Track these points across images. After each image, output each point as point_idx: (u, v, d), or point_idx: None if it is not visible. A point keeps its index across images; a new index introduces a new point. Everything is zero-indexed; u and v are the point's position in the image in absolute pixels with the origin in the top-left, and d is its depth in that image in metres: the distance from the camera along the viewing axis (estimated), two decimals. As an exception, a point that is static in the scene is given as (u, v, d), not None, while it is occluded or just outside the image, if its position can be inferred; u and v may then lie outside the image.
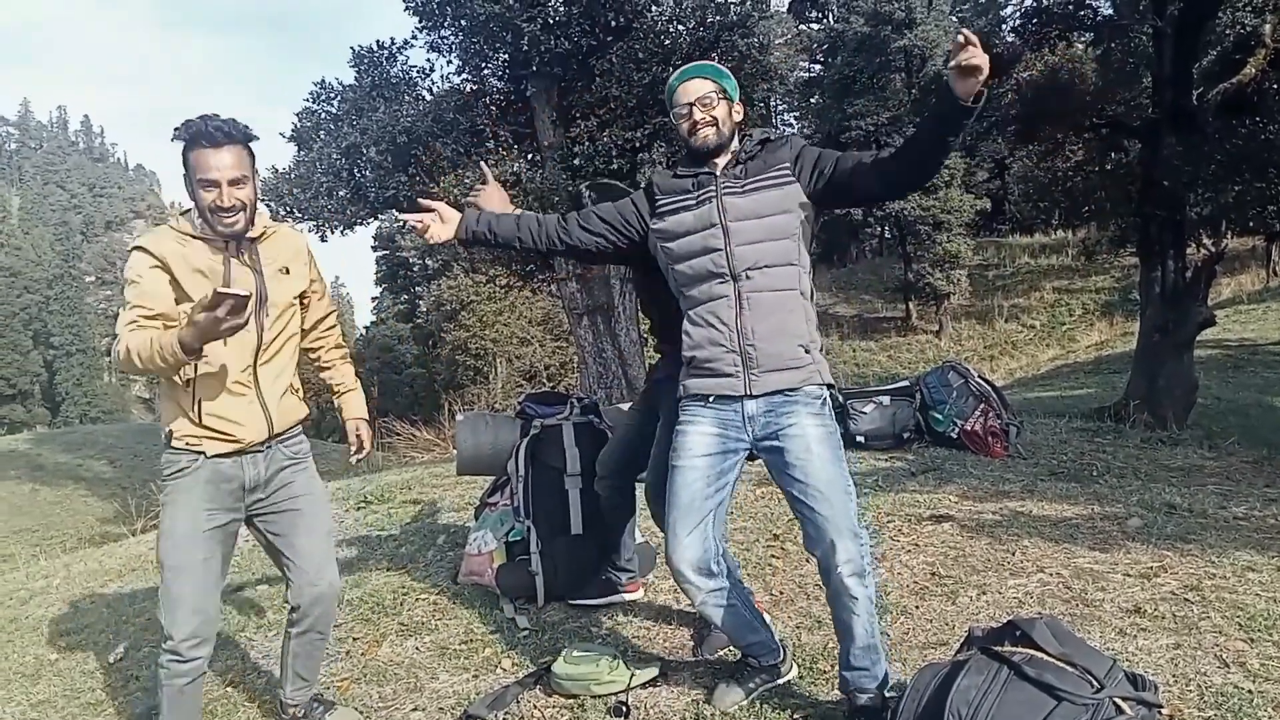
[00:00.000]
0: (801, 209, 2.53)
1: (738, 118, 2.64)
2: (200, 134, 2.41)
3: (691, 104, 2.57)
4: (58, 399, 62.04)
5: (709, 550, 2.57)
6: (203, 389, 2.50)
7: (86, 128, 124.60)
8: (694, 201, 2.58)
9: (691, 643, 3.27)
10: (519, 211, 2.89)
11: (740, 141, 2.63)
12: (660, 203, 2.66)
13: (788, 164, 2.54)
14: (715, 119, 2.57)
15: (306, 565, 2.71)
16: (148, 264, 2.43)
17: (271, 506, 2.68)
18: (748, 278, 2.49)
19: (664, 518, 2.76)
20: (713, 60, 10.73)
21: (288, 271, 2.65)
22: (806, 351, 2.50)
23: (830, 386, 2.55)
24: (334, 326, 3.01)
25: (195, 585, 2.53)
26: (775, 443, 2.49)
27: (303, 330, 2.81)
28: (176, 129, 2.45)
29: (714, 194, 2.55)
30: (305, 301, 2.78)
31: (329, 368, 3.04)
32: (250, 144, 2.50)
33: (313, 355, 2.99)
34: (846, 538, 2.40)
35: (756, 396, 2.50)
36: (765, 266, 2.49)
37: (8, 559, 9.72)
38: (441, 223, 2.71)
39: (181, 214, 2.57)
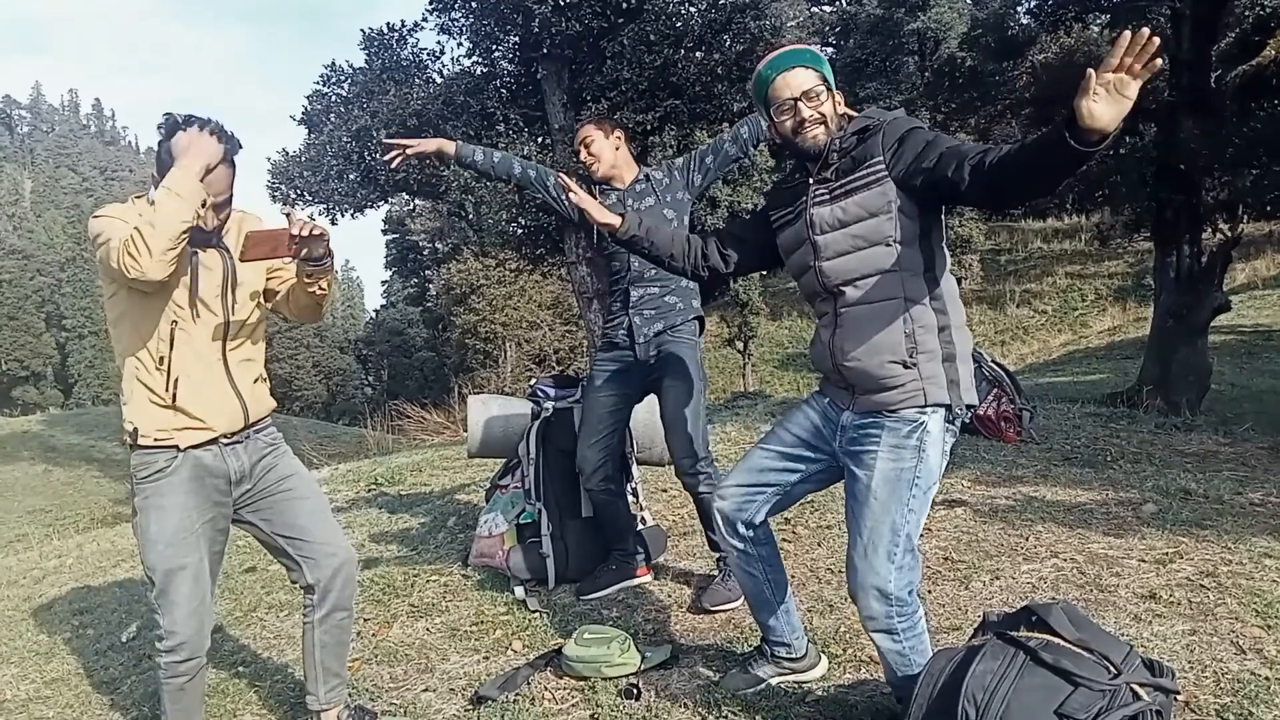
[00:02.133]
0: (898, 206, 2.19)
1: (841, 110, 2.34)
2: (238, 147, 2.35)
3: (796, 99, 2.26)
4: (70, 381, 62.35)
5: (745, 513, 2.53)
6: (179, 367, 2.37)
7: (98, 111, 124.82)
8: (792, 215, 2.38)
9: (703, 625, 3.27)
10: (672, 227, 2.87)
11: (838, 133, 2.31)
12: (772, 217, 2.48)
13: (880, 157, 2.21)
14: (824, 116, 2.27)
15: (317, 539, 2.58)
16: (118, 211, 2.32)
17: (261, 494, 2.56)
18: (842, 293, 2.28)
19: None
20: (725, 42, 10.69)
21: None
22: (905, 367, 2.20)
23: (944, 407, 2.23)
24: None
25: (191, 588, 2.40)
26: (849, 464, 2.33)
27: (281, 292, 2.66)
28: (174, 122, 2.32)
29: (805, 206, 2.33)
30: (273, 280, 2.63)
31: None
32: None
33: (290, 293, 2.68)
34: (870, 596, 2.23)
35: (857, 413, 2.34)
36: (859, 279, 2.25)
37: (22, 539, 9.81)
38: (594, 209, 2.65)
39: (138, 197, 2.45)
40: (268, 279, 2.60)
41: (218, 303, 2.43)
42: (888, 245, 2.21)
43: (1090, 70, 1.71)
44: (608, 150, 3.47)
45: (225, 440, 2.47)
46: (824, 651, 2.91)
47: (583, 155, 3.49)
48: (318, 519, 2.62)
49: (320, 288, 2.56)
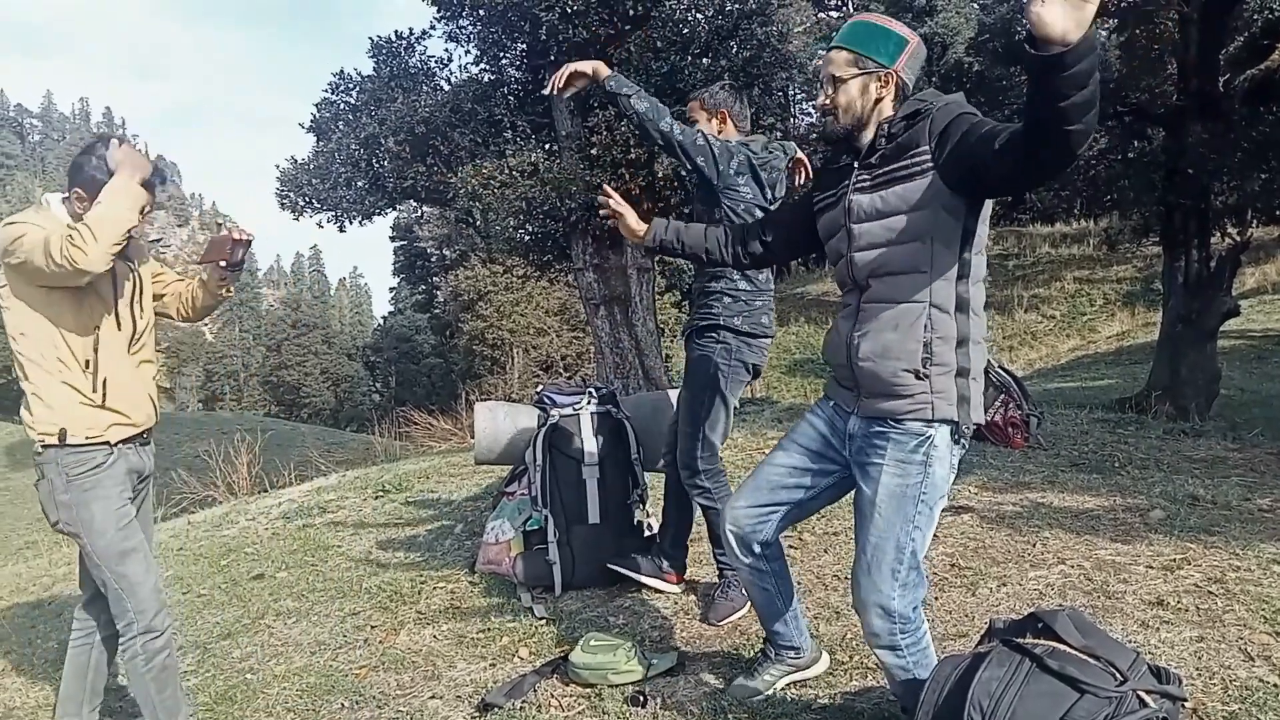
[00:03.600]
0: (940, 202, 2.06)
1: (881, 95, 2.19)
2: (164, 178, 2.61)
3: (822, 83, 2.25)
4: (80, 388, 62.65)
5: (757, 531, 2.50)
6: (105, 369, 2.58)
7: (108, 120, 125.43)
8: (833, 199, 2.29)
9: (709, 632, 3.27)
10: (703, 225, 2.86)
11: (888, 117, 2.19)
12: (815, 200, 2.40)
13: (925, 146, 2.07)
14: (836, 107, 2.22)
15: None
16: (32, 218, 2.46)
17: (136, 505, 2.76)
18: (869, 286, 2.19)
19: None
20: (731, 48, 10.68)
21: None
22: (918, 377, 2.11)
23: (949, 423, 2.14)
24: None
25: (146, 566, 2.63)
26: (857, 475, 2.28)
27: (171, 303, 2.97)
28: (159, 167, 2.58)
29: (847, 190, 2.22)
30: (157, 284, 2.91)
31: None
32: None
33: (185, 296, 2.97)
34: (873, 613, 2.21)
35: (862, 417, 2.27)
36: (887, 275, 2.15)
37: (31, 546, 9.84)
38: (635, 220, 2.71)
39: (39, 209, 2.58)
40: (154, 284, 2.89)
41: (128, 311, 2.70)
42: (923, 243, 2.10)
43: None
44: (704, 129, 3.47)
45: (140, 441, 2.73)
46: (830, 657, 2.92)
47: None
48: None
49: (229, 290, 2.96)
